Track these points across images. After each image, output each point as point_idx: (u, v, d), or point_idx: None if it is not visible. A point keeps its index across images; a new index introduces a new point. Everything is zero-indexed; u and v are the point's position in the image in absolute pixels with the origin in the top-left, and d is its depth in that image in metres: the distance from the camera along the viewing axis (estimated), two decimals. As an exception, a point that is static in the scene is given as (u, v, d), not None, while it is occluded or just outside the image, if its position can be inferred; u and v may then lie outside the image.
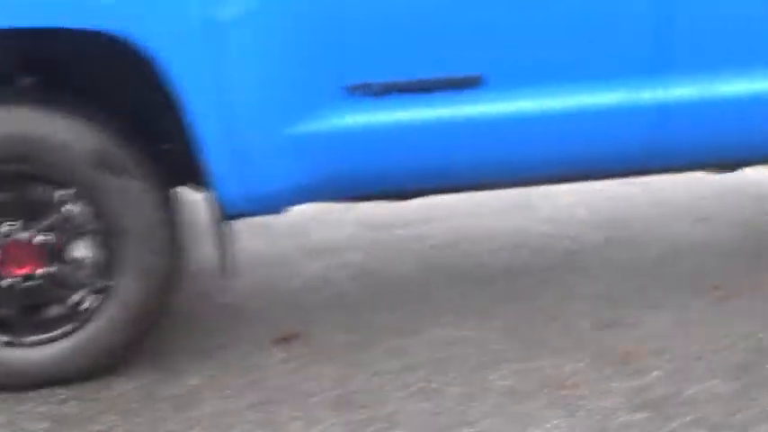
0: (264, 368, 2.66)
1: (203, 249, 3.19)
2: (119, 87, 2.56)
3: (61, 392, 2.51)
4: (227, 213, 2.58)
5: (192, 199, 3.08)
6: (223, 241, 2.66)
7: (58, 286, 2.49)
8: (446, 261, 3.32)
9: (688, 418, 2.33)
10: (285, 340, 2.81)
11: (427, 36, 2.45)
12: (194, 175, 2.56)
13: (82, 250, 2.48)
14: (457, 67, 2.50)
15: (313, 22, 2.39)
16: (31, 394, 2.49)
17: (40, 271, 2.46)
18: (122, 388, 2.55)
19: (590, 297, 2.98)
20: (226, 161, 2.46)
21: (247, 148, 2.46)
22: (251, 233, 3.59)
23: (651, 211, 3.66)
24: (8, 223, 2.44)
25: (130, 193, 2.44)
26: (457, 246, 3.44)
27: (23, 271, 2.46)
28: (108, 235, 2.47)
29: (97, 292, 2.51)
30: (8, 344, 2.50)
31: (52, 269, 2.47)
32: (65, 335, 2.51)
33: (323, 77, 2.44)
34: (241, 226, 3.59)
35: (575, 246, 3.39)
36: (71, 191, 2.42)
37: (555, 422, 2.33)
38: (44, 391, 2.50)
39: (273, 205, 2.61)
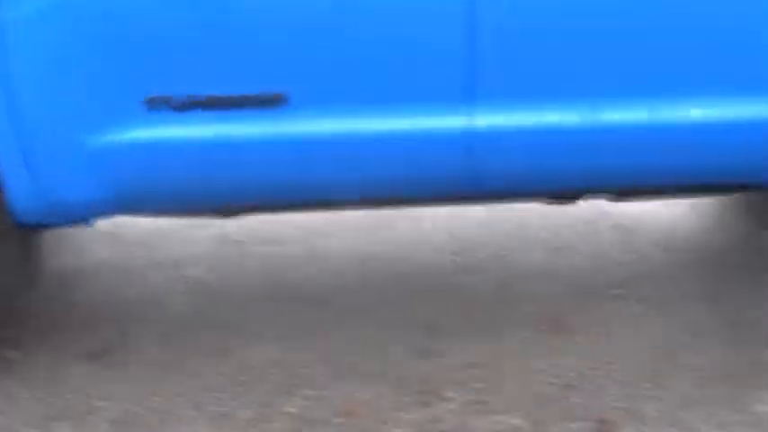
0: (62, 383, 2.61)
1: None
2: None
3: None
4: (24, 222, 2.52)
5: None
6: (26, 252, 2.61)
7: None
8: (288, 280, 3.26)
9: (472, 452, 2.30)
10: (94, 355, 2.76)
11: (228, 51, 2.40)
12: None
13: None
14: (259, 84, 2.44)
15: (108, 29, 2.33)
16: None
17: None
18: None
19: (415, 323, 2.93)
20: (17, 169, 2.40)
21: (42, 157, 2.40)
22: (99, 244, 3.55)
23: (511, 239, 3.61)
24: None
25: None
26: (304, 265, 3.38)
27: None
28: None
29: None
30: None
31: None
32: None
33: (121, 88, 2.38)
34: (89, 236, 3.58)
35: (418, 270, 3.33)
36: None
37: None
38: None
39: (74, 216, 2.55)
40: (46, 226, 2.62)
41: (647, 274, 3.32)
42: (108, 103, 2.40)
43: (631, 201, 3.14)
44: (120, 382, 2.61)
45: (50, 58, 2.34)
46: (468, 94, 2.50)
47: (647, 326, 2.94)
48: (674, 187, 2.93)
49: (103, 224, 3.53)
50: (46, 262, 3.31)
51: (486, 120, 2.53)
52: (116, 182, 2.48)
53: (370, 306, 3.07)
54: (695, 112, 2.61)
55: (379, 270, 3.35)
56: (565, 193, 2.88)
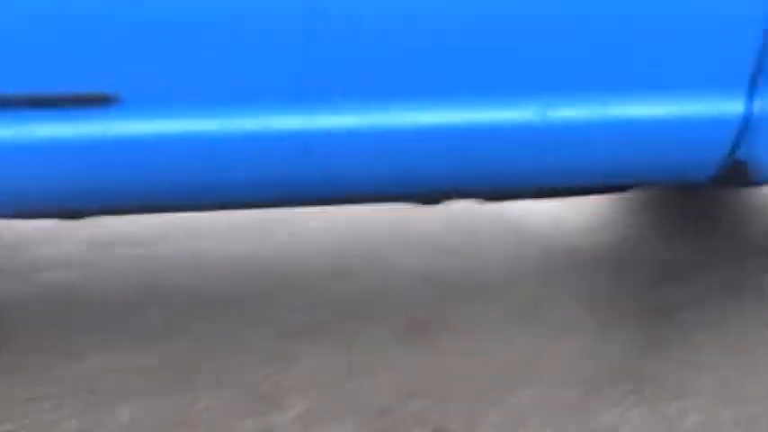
0: None
1: None
2: None
3: None
4: None
5: None
6: None
7: None
8: (153, 283, 3.18)
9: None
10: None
11: (49, 46, 2.31)
12: None
13: None
14: (86, 82, 2.36)
15: None
16: None
17: None
18: None
19: (273, 328, 2.86)
20: None
21: None
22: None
23: (389, 242, 3.55)
24: None
25: None
26: (173, 268, 3.30)
27: None
28: None
29: None
30: None
31: None
32: None
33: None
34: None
35: (289, 273, 3.26)
36: None
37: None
38: None
39: None
40: None
41: (524, 277, 3.26)
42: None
43: (501, 202, 3.10)
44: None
45: None
46: (306, 94, 2.44)
47: (511, 330, 2.89)
48: (552, 188, 2.89)
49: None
50: None
51: (323, 121, 2.47)
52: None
53: (231, 310, 2.99)
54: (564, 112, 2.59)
55: (248, 272, 3.27)
56: (425, 196, 2.83)
